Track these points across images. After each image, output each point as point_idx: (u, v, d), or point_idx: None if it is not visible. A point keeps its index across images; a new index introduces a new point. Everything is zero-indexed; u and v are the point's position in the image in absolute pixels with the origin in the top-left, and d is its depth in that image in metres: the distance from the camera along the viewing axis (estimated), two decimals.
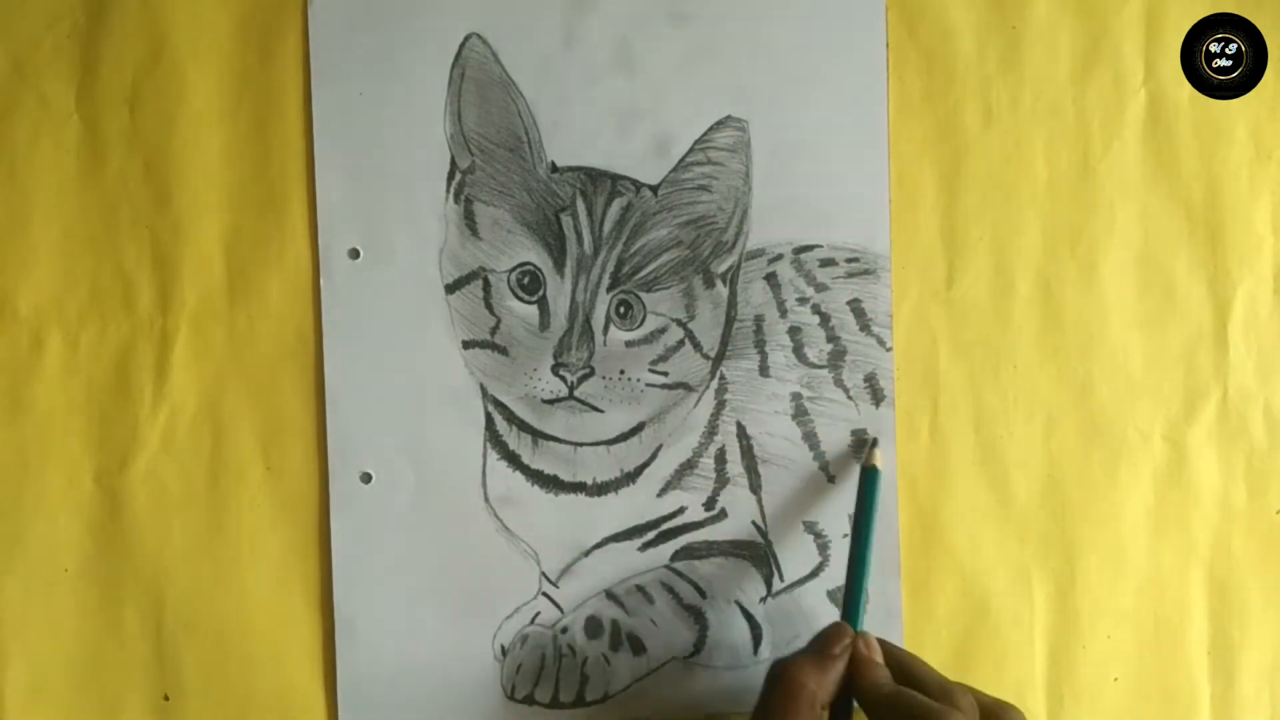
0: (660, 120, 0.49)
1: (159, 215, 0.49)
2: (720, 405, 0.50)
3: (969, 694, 0.43)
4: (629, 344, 0.49)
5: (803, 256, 0.50)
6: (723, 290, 0.50)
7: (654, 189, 0.49)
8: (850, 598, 0.46)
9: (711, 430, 0.50)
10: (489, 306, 0.49)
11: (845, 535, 0.50)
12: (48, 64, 0.49)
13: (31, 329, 0.49)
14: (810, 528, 0.50)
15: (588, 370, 0.49)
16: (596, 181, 0.49)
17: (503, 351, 0.49)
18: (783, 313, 0.50)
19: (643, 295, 0.49)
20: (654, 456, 0.50)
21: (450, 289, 0.49)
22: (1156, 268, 0.52)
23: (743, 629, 0.50)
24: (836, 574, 0.50)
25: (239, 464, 0.49)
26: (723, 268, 0.50)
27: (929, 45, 0.51)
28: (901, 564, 0.51)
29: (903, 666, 0.45)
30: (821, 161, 0.50)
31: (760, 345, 0.50)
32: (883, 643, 0.45)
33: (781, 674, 0.43)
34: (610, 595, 0.50)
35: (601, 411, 0.50)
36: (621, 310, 0.49)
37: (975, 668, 0.51)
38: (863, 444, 0.50)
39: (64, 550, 0.49)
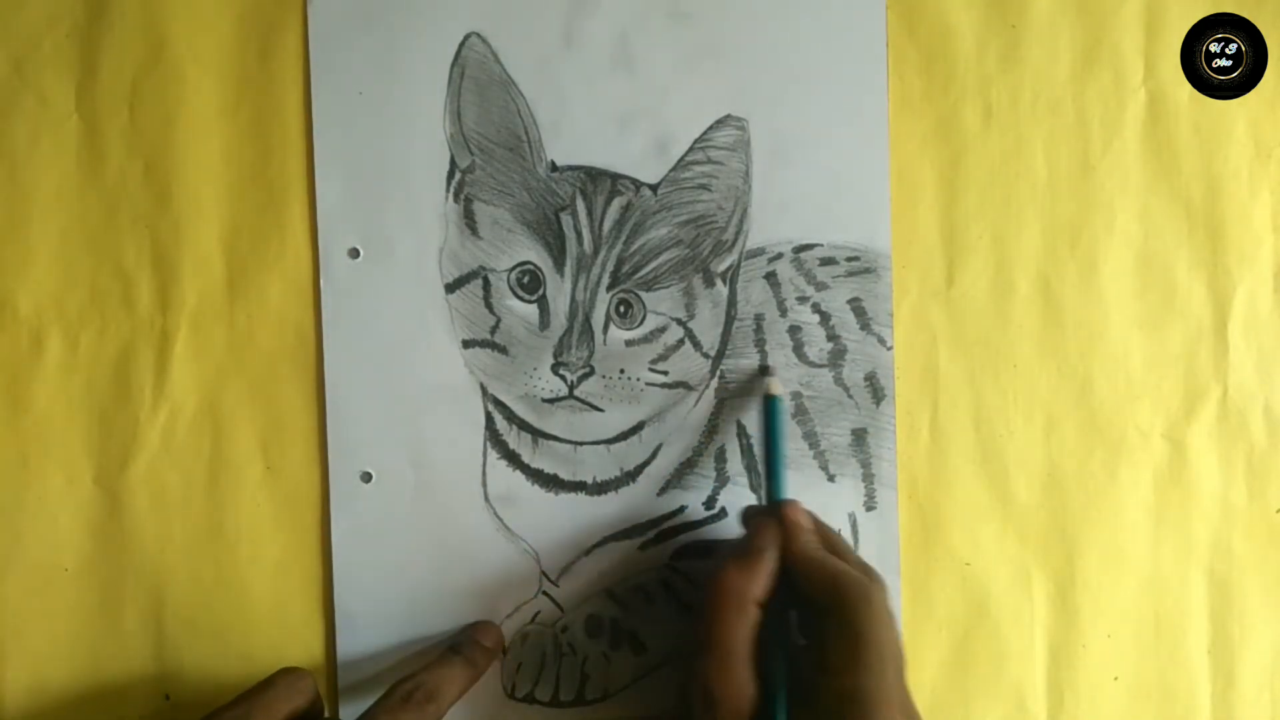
0: (660, 119, 0.49)
1: (159, 215, 0.49)
2: (720, 404, 0.50)
3: (883, 579, 0.44)
4: (629, 343, 0.49)
5: (803, 255, 0.50)
6: (722, 289, 0.50)
7: (654, 188, 0.50)
8: (770, 482, 0.47)
9: (711, 429, 0.50)
10: (489, 306, 0.49)
11: (845, 535, 0.50)
12: (48, 64, 0.49)
13: (31, 329, 0.49)
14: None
15: (588, 369, 0.49)
16: (596, 180, 0.49)
17: (503, 351, 0.49)
18: (783, 311, 0.50)
19: (642, 294, 0.49)
20: (654, 455, 0.50)
21: (450, 288, 0.49)
22: (1156, 267, 0.52)
23: None
24: None
25: (239, 464, 0.49)
26: (722, 267, 0.50)
27: (929, 45, 0.51)
28: (901, 564, 0.51)
29: (830, 541, 0.45)
30: (821, 160, 0.50)
31: (760, 344, 0.50)
32: (812, 516, 0.46)
33: (709, 582, 0.44)
34: (610, 594, 0.50)
35: (601, 411, 0.50)
36: (621, 309, 0.49)
37: (975, 668, 0.51)
38: (862, 440, 0.50)
39: (64, 550, 0.49)
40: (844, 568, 0.43)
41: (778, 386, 0.49)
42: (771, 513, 0.46)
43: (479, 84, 0.49)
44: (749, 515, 0.48)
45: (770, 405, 0.48)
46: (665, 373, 0.50)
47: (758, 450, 0.50)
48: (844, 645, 0.41)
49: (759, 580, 0.43)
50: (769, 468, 0.47)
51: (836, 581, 0.42)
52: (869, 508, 0.50)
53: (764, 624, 0.43)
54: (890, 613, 0.42)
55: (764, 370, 0.50)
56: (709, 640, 0.43)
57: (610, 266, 0.49)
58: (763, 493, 0.49)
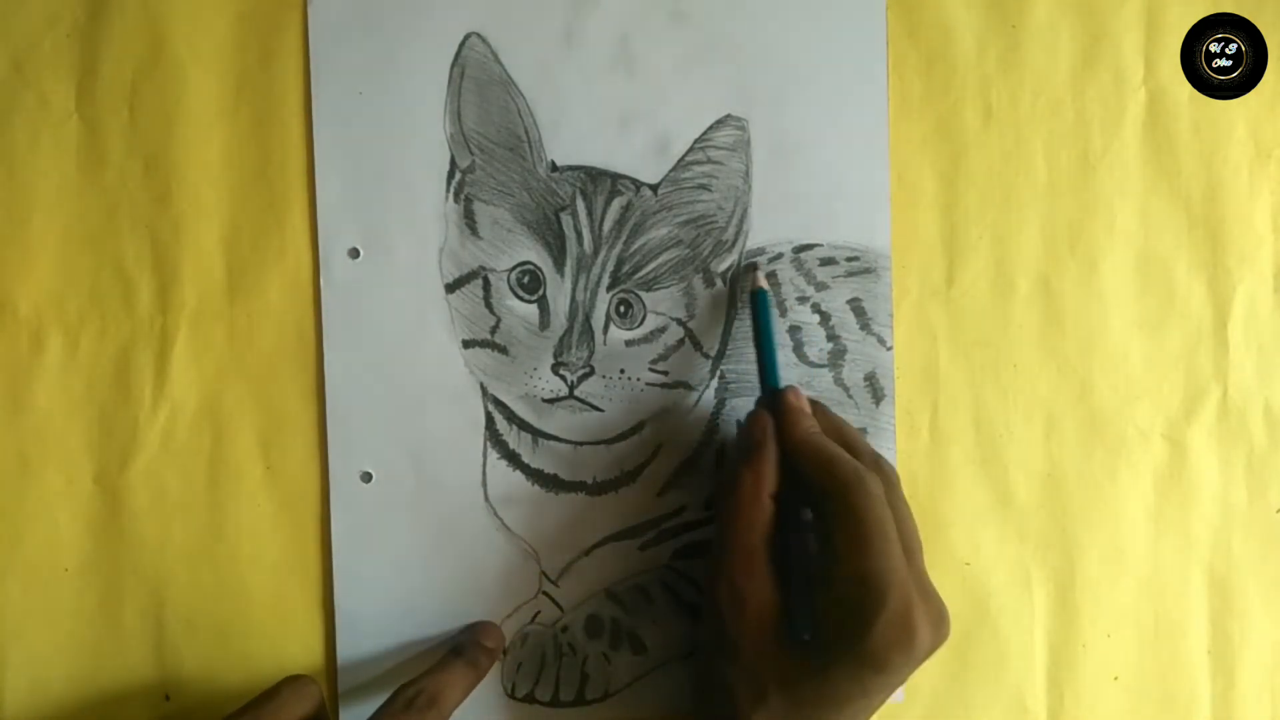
0: (660, 119, 0.49)
1: (159, 215, 0.49)
2: (720, 404, 0.50)
3: (894, 469, 0.45)
4: (629, 343, 0.49)
5: (803, 255, 0.50)
6: (723, 289, 0.50)
7: (654, 188, 0.50)
8: (764, 371, 0.47)
9: (712, 429, 0.50)
10: (489, 306, 0.49)
11: None
12: (48, 64, 0.49)
13: (31, 329, 0.49)
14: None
15: (588, 369, 0.49)
16: (596, 180, 0.49)
17: (503, 351, 0.49)
18: (783, 311, 0.50)
19: (643, 294, 0.49)
20: (654, 455, 0.50)
21: (450, 288, 0.49)
22: (1156, 267, 0.52)
23: None
24: None
25: (239, 464, 0.49)
26: (723, 267, 0.50)
27: (929, 45, 0.51)
28: None
29: (836, 429, 0.46)
30: (821, 160, 0.50)
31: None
32: (815, 404, 0.47)
33: (722, 484, 0.45)
34: (610, 594, 0.50)
35: (601, 411, 0.50)
36: (621, 309, 0.49)
37: (975, 668, 0.51)
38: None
39: (64, 550, 0.49)
40: (838, 452, 0.43)
41: (763, 280, 0.49)
42: (769, 404, 0.46)
43: (479, 84, 0.49)
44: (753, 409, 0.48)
45: (758, 297, 0.48)
46: (665, 373, 0.50)
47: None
48: (846, 530, 0.41)
49: (766, 472, 0.44)
50: (761, 357, 0.48)
51: (830, 466, 0.43)
52: None
53: (779, 515, 0.44)
54: (896, 498, 0.43)
55: (750, 266, 0.50)
56: (729, 540, 0.44)
57: (610, 266, 0.49)
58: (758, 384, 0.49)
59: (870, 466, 0.43)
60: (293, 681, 0.45)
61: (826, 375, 0.50)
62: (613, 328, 0.49)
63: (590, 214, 0.49)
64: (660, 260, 0.49)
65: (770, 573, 0.43)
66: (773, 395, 0.47)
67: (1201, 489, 0.52)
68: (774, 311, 0.50)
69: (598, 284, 0.49)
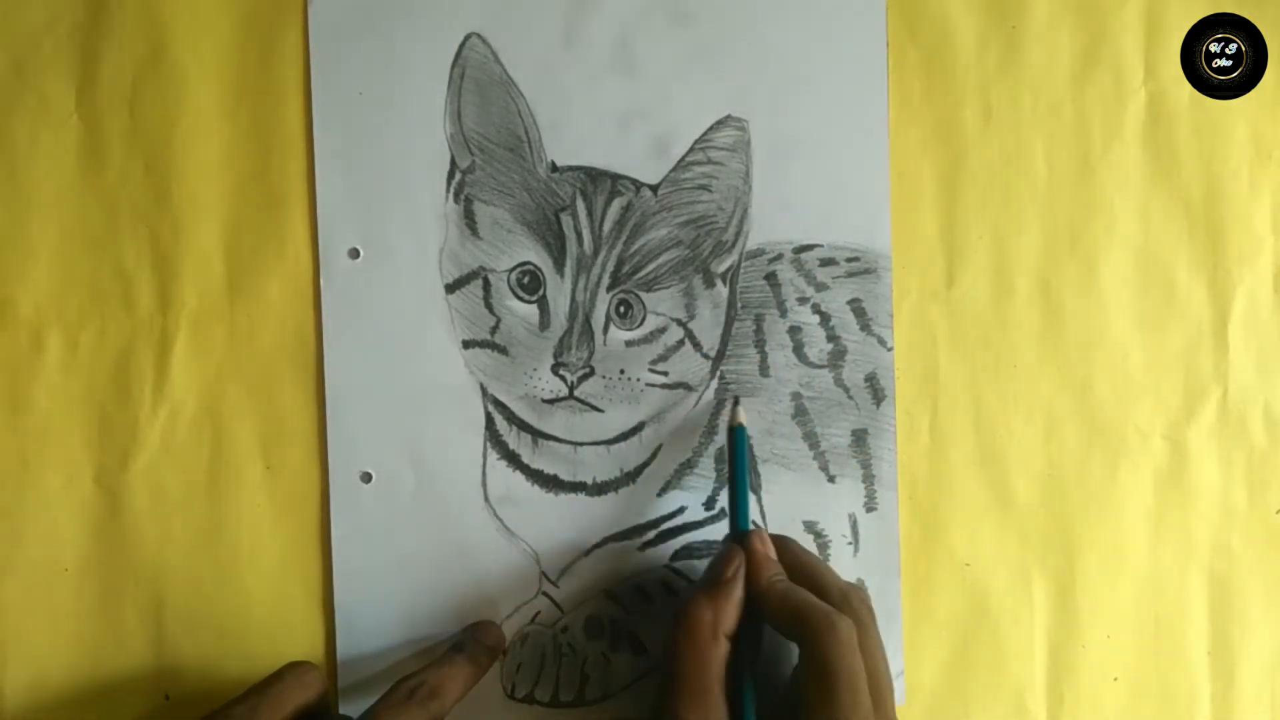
0: (660, 120, 0.49)
1: (159, 215, 0.49)
2: (720, 405, 0.50)
3: (866, 600, 0.44)
4: (629, 344, 0.49)
5: (803, 256, 0.50)
6: (723, 290, 0.50)
7: (654, 188, 0.50)
8: (735, 512, 0.47)
9: (711, 430, 0.50)
10: (489, 306, 0.49)
11: (845, 536, 0.50)
12: (48, 64, 0.49)
13: (31, 329, 0.49)
14: (810, 527, 0.50)
15: (588, 370, 0.49)
16: (596, 181, 0.49)
17: (503, 351, 0.49)
18: (783, 312, 0.50)
19: (643, 295, 0.49)
20: (654, 456, 0.50)
21: (450, 289, 0.49)
22: (1156, 268, 0.52)
23: None
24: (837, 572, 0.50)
25: (239, 464, 0.49)
26: (723, 267, 0.50)
27: (929, 45, 0.51)
28: (901, 564, 0.51)
29: (804, 568, 0.45)
30: (821, 161, 0.50)
31: (760, 345, 0.50)
32: (783, 540, 0.46)
33: (678, 612, 0.44)
34: (610, 595, 0.50)
35: (601, 411, 0.50)
36: (621, 310, 0.49)
37: (975, 668, 0.51)
38: (863, 440, 0.50)
39: (64, 550, 0.49)
40: (805, 600, 0.43)
41: (743, 416, 0.49)
42: (739, 541, 0.46)
43: (479, 84, 0.49)
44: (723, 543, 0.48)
45: (735, 435, 0.48)
46: (665, 373, 0.50)
47: (758, 451, 0.50)
48: (814, 678, 0.41)
49: (727, 612, 0.43)
50: (733, 498, 0.47)
51: (799, 615, 0.42)
52: (869, 508, 0.50)
53: (733, 655, 0.43)
54: (867, 638, 0.42)
55: (733, 400, 0.50)
56: (679, 674, 0.42)
57: (610, 267, 0.49)
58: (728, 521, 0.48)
59: (840, 605, 0.42)
60: (295, 667, 0.45)
61: (826, 376, 0.50)
62: (613, 328, 0.49)
63: (590, 214, 0.49)
64: (660, 261, 0.49)
65: (722, 714, 0.42)
66: (740, 536, 0.46)
67: (1201, 490, 0.52)
68: (748, 449, 0.49)
69: (598, 284, 0.49)
